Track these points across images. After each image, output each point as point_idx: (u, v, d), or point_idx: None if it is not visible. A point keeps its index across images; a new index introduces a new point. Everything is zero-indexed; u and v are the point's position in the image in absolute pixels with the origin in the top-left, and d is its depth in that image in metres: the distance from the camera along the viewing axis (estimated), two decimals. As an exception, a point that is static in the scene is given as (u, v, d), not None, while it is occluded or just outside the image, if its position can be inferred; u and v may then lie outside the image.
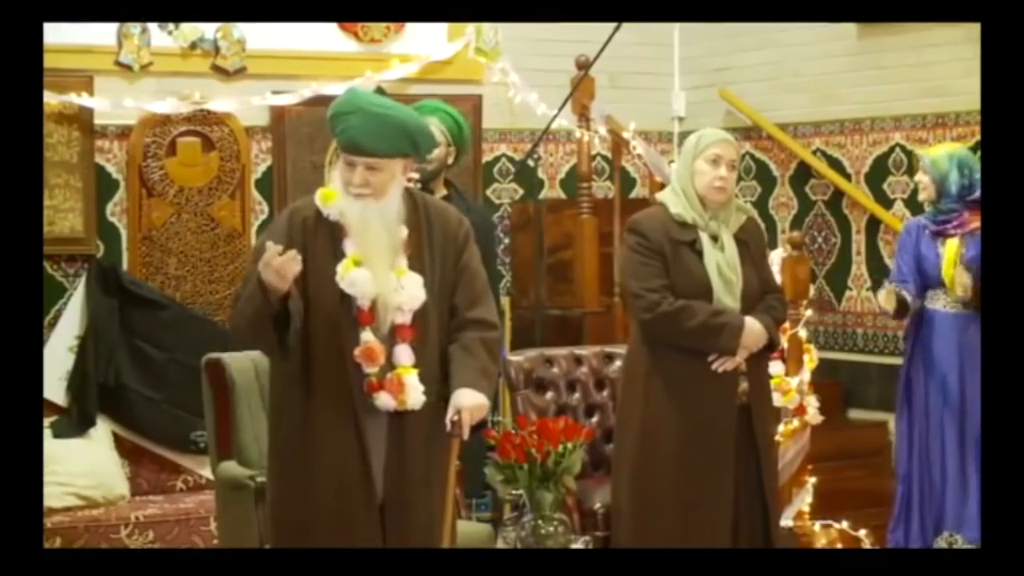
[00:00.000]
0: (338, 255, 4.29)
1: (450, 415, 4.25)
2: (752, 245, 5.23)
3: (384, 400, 4.26)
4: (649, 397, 5.12)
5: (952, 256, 5.96)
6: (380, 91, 4.56)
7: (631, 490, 5.18)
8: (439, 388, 4.33)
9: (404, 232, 4.32)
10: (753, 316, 5.10)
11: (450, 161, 6.04)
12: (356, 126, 4.22)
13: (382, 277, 4.26)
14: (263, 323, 4.19)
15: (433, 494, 4.34)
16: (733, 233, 5.16)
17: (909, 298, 6.03)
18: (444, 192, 5.97)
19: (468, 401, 4.24)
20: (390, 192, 4.29)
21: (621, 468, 5.25)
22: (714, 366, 5.08)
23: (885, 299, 6.04)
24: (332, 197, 4.31)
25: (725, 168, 5.09)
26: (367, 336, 4.26)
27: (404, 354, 4.28)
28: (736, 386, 5.12)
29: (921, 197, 6.18)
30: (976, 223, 5.81)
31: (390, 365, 4.27)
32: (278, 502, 4.40)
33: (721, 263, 5.10)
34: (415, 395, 4.26)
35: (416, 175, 5.36)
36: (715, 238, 5.13)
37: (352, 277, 4.25)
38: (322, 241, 4.31)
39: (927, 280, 6.07)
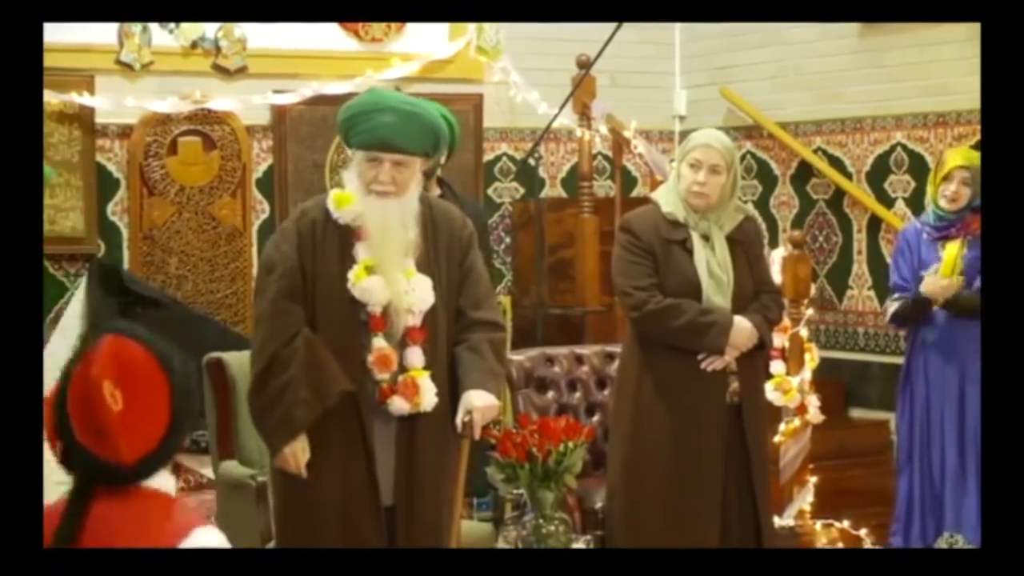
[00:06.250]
0: (347, 258, 4.27)
1: (461, 416, 4.24)
2: (748, 245, 5.20)
3: (398, 404, 4.24)
4: (640, 394, 5.12)
5: (952, 258, 5.92)
6: (397, 91, 4.58)
7: (621, 486, 5.19)
8: (448, 389, 4.32)
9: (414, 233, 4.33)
10: (744, 315, 5.09)
11: (442, 160, 6.05)
12: (389, 124, 4.23)
13: (394, 281, 4.25)
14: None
15: (442, 496, 4.34)
16: (729, 233, 5.14)
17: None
18: (438, 191, 5.98)
19: (479, 402, 4.24)
20: (412, 190, 4.31)
21: (613, 464, 5.26)
22: (703, 365, 5.06)
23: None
24: (348, 200, 4.28)
25: (704, 173, 5.03)
26: (380, 343, 4.24)
27: (416, 356, 4.27)
28: (726, 386, 5.10)
29: (949, 207, 5.93)
30: (978, 224, 5.77)
31: (401, 368, 4.27)
32: (283, 505, 4.38)
33: (711, 262, 5.08)
34: (429, 397, 4.26)
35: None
36: (706, 237, 5.11)
37: (364, 285, 4.24)
38: (331, 244, 4.29)
39: None
